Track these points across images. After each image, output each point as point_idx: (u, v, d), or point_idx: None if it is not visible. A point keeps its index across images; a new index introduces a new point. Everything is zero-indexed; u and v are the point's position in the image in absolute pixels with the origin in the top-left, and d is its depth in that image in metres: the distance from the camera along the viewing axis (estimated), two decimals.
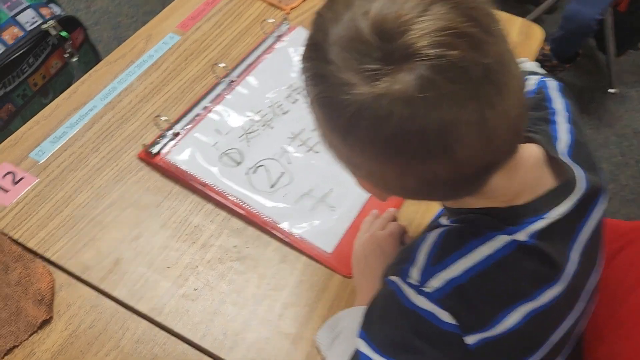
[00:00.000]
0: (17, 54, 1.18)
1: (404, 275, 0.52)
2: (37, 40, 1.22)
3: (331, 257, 0.70)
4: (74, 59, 1.30)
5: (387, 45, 0.41)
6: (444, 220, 0.56)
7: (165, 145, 0.77)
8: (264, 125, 0.81)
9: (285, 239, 0.71)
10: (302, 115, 0.83)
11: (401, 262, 0.54)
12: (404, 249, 0.57)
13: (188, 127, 0.80)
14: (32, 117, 0.81)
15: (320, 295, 0.67)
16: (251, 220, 0.72)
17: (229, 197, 0.73)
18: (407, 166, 0.44)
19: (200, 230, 0.72)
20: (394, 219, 0.73)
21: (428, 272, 0.51)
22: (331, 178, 0.77)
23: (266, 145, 0.79)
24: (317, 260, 0.70)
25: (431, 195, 0.51)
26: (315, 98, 0.46)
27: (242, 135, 0.80)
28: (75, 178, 0.75)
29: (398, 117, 0.41)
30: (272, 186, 0.75)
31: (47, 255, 0.68)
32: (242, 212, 0.73)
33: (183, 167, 0.75)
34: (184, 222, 0.72)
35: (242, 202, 0.73)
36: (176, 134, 0.79)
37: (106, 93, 0.85)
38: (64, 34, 1.25)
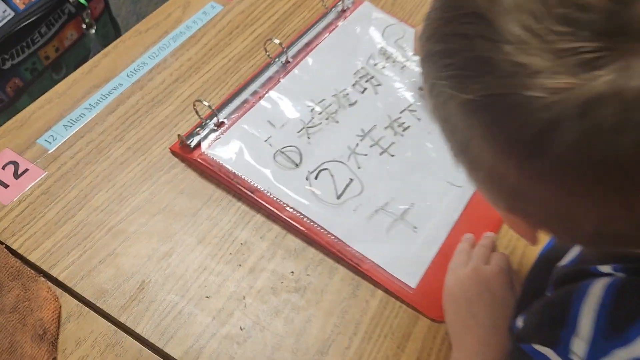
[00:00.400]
0: (28, 21, 1.03)
1: (562, 349, 0.36)
2: (52, 6, 1.06)
3: (415, 293, 0.55)
4: (92, 31, 1.14)
5: (615, 12, 0.26)
6: (604, 268, 0.40)
7: (206, 137, 0.62)
8: (327, 119, 0.66)
9: (356, 265, 0.56)
10: (372, 108, 0.67)
11: (548, 325, 0.39)
12: (546, 303, 0.42)
13: (234, 115, 0.64)
14: (41, 95, 0.66)
15: (402, 344, 0.52)
16: (312, 238, 0.57)
17: (286, 208, 0.58)
18: (622, 201, 0.29)
19: (248, 248, 0.56)
20: (495, 248, 0.58)
21: (600, 348, 0.35)
22: (411, 189, 0.61)
23: (330, 143, 0.64)
24: (397, 297, 0.55)
25: (628, 243, 0.35)
26: (467, 100, 0.30)
27: (302, 129, 0.64)
28: (92, 173, 0.60)
29: (634, 129, 0.26)
30: (339, 196, 0.60)
31: (53, 272, 0.53)
32: (301, 227, 0.57)
33: (228, 166, 0.60)
34: (228, 238, 0.57)
35: (301, 214, 0.58)
36: (220, 124, 0.63)
37: (134, 69, 0.69)
38: (82, 1, 1.10)
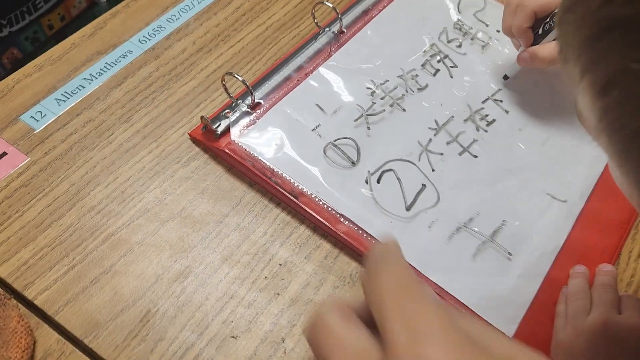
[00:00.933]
0: None
1: None
2: None
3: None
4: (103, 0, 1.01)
5: None
6: None
7: (237, 121, 0.48)
8: (391, 105, 0.51)
9: None
10: (448, 95, 0.53)
11: None
12: None
13: (273, 95, 0.50)
14: None
15: None
16: None
17: (340, 220, 0.44)
18: None
19: (289, 272, 0.42)
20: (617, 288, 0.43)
21: None
22: (502, 202, 0.47)
23: (396, 137, 0.49)
24: None
25: None
26: None
27: (360, 117, 0.50)
28: (88, 162, 0.46)
29: None
30: (409, 207, 0.45)
31: (29, 294, 0.39)
32: (358, 247, 0.43)
33: (264, 160, 0.46)
34: (263, 256, 0.43)
35: (359, 229, 0.44)
36: (255, 105, 0.49)
37: (149, 34, 0.55)
38: None
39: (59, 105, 0.49)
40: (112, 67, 0.52)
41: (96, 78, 0.51)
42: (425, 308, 0.23)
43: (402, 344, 0.22)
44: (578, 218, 0.47)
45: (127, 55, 0.53)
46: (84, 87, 0.51)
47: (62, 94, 0.50)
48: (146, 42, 0.55)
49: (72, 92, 0.50)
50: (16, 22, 0.92)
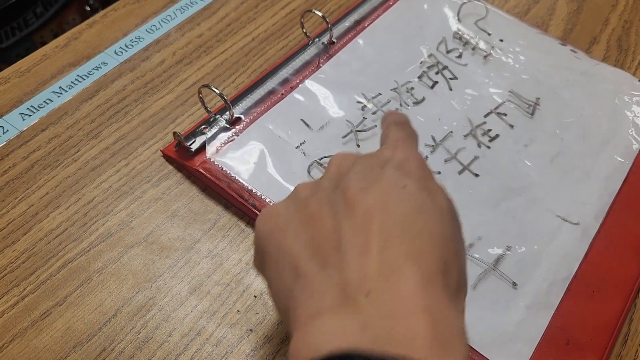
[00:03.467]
0: None
1: None
2: None
3: None
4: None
5: None
6: None
7: (213, 137, 0.44)
8: None
9: None
10: (447, 109, 0.48)
11: None
12: None
13: (255, 110, 0.46)
14: None
15: None
16: None
17: None
18: None
19: (264, 304, 0.38)
20: None
21: None
22: (506, 226, 0.42)
23: None
24: None
25: None
26: None
27: (349, 134, 0.46)
28: (50, 182, 0.42)
29: None
30: None
31: None
32: None
33: (242, 180, 0.42)
34: (236, 287, 0.38)
35: None
36: (234, 121, 0.45)
37: (125, 45, 0.52)
38: None
39: (24, 120, 0.46)
40: (84, 79, 0.49)
41: (66, 91, 0.48)
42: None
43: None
44: (593, 242, 0.42)
45: (101, 67, 0.50)
46: (52, 101, 0.47)
47: (27, 108, 0.46)
48: (122, 53, 0.51)
49: (38, 107, 0.46)
50: (6, 39, 0.90)
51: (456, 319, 0.22)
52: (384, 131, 0.33)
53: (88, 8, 0.96)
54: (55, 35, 0.96)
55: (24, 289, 0.37)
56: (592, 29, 0.59)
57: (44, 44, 0.96)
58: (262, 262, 0.28)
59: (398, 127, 0.32)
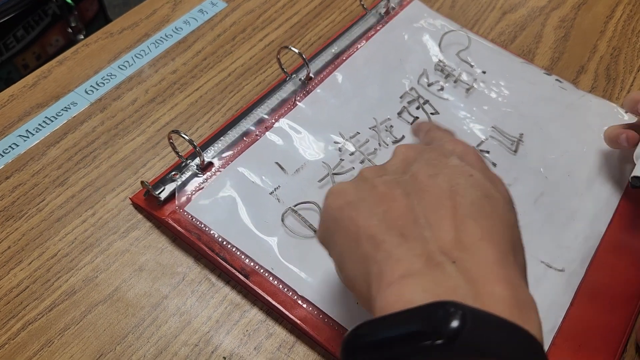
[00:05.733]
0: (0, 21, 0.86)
1: None
2: (31, 6, 0.89)
3: None
4: (81, 37, 0.97)
5: None
6: None
7: (184, 185, 0.42)
8: (362, 162, 0.45)
9: None
10: None
11: None
12: None
13: (227, 154, 0.45)
14: None
15: None
16: (336, 355, 0.36)
17: (298, 303, 0.38)
18: None
19: None
20: None
21: None
22: None
23: None
24: None
25: None
26: None
27: (325, 177, 0.44)
28: (12, 235, 0.41)
29: None
30: None
31: None
32: (318, 336, 0.37)
33: (214, 230, 0.40)
34: (204, 347, 0.37)
35: (320, 313, 0.37)
36: (206, 166, 0.44)
37: (97, 83, 0.50)
38: (68, 0, 0.92)
39: None
40: (52, 121, 0.47)
41: (33, 135, 0.46)
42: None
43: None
44: (578, 290, 0.41)
45: (70, 108, 0.48)
46: (18, 146, 0.45)
47: None
48: (93, 92, 0.50)
49: (3, 152, 0.45)
50: None
51: (528, 292, 0.24)
52: (427, 134, 0.37)
53: (70, 30, 0.95)
54: (38, 58, 0.95)
55: None
56: (580, 57, 0.57)
57: (26, 67, 0.95)
58: (330, 234, 0.30)
59: (441, 130, 0.36)
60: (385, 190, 0.28)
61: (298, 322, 0.37)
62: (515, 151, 0.48)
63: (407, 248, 0.25)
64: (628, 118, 0.50)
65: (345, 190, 0.30)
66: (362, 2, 0.57)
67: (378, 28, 0.55)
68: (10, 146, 0.45)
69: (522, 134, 0.49)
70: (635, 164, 0.43)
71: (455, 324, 0.21)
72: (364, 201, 0.28)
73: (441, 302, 0.22)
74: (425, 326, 0.21)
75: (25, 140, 0.46)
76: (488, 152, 0.47)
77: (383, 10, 0.57)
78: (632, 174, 0.42)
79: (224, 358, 0.36)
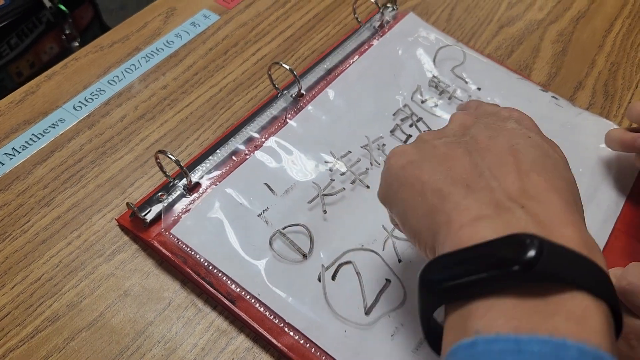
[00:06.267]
0: None
1: None
2: (25, 14, 0.88)
3: None
4: (75, 44, 0.96)
5: None
6: None
7: (171, 206, 0.42)
8: (353, 182, 0.45)
9: None
10: None
11: None
12: None
13: (215, 174, 0.44)
14: None
15: None
16: None
17: (285, 330, 0.37)
18: None
19: None
20: None
21: None
22: None
23: (357, 221, 0.42)
24: None
25: None
26: None
27: (315, 198, 0.43)
28: None
29: None
30: (369, 311, 0.38)
31: None
32: None
33: (200, 254, 0.39)
34: None
35: (307, 342, 0.37)
36: (193, 187, 0.43)
37: (85, 99, 0.50)
38: (63, 7, 0.92)
39: None
40: (39, 139, 0.46)
41: (19, 152, 0.45)
42: None
43: None
44: None
45: (57, 125, 0.47)
46: (3, 164, 0.45)
47: None
48: (81, 108, 0.49)
49: None
50: None
51: (593, 238, 0.25)
52: (477, 110, 0.37)
53: (65, 37, 0.94)
54: (32, 66, 0.94)
55: None
56: (577, 73, 0.56)
57: (20, 74, 0.94)
58: (393, 192, 0.31)
59: (490, 104, 0.37)
60: (447, 150, 0.30)
61: (285, 350, 0.36)
62: None
63: (475, 198, 0.26)
64: None
65: (406, 150, 0.32)
66: (356, 16, 0.56)
67: (372, 42, 0.54)
68: None
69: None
70: None
71: (532, 253, 0.22)
72: (427, 160, 0.30)
73: (517, 234, 0.23)
74: (502, 254, 0.23)
75: (11, 159, 0.45)
76: None
77: (377, 24, 0.56)
78: None
79: None
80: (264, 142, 0.46)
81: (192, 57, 0.54)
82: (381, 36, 0.55)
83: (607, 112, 0.53)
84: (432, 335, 0.27)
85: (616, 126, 0.51)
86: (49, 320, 0.37)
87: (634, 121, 0.46)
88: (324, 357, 0.36)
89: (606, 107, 0.53)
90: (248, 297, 0.38)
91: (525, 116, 0.33)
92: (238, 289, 0.38)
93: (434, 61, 0.53)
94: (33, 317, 0.37)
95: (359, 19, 0.56)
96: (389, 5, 0.58)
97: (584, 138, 0.49)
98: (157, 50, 0.54)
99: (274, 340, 0.36)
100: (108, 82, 0.51)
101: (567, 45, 0.59)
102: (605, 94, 0.55)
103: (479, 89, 0.52)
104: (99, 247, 0.41)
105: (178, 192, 0.42)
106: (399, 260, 0.41)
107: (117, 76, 0.51)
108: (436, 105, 0.50)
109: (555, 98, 0.52)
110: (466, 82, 0.52)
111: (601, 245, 0.43)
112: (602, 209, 0.45)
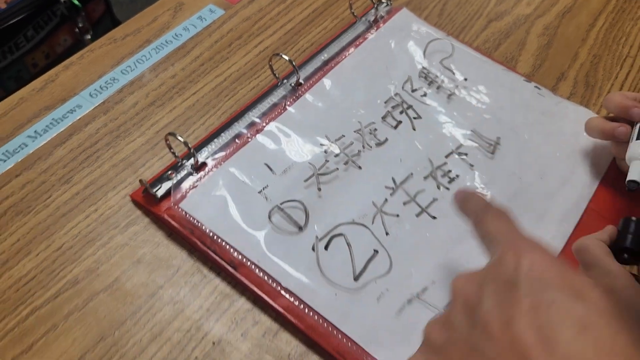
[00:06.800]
0: (10, 22, 0.89)
1: None
2: (40, 7, 0.93)
3: None
4: (88, 36, 1.00)
5: None
6: None
7: (180, 183, 0.46)
8: (346, 163, 0.49)
9: None
10: (409, 149, 0.50)
11: None
12: None
13: (220, 155, 0.48)
14: None
15: None
16: (316, 340, 0.40)
17: (282, 293, 0.41)
18: None
19: (222, 351, 0.39)
20: None
21: None
22: (460, 268, 0.44)
23: (349, 198, 0.46)
24: None
25: None
26: None
27: (311, 177, 0.47)
28: (22, 229, 0.44)
29: None
30: (357, 277, 0.42)
31: None
32: (300, 324, 0.40)
33: (206, 226, 0.43)
34: (196, 333, 0.40)
35: (302, 303, 0.41)
36: (200, 166, 0.47)
37: (100, 86, 0.54)
38: (76, 2, 0.96)
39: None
40: (59, 123, 0.51)
41: (40, 135, 0.50)
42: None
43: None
44: None
45: (75, 111, 0.52)
46: (26, 146, 0.49)
47: (3, 154, 0.48)
48: (97, 95, 0.53)
49: (13, 151, 0.48)
50: None
51: None
52: (480, 227, 0.32)
53: (78, 30, 0.98)
54: (47, 57, 0.99)
55: None
56: (560, 64, 0.60)
57: (35, 65, 0.99)
58: None
59: (491, 216, 0.31)
60: None
61: (281, 310, 0.40)
62: (493, 153, 0.51)
63: None
64: None
65: None
66: (352, 11, 0.60)
67: (367, 36, 0.58)
68: (20, 146, 0.49)
69: (500, 138, 0.51)
70: (628, 167, 0.45)
71: None
72: None
73: None
74: None
75: (33, 141, 0.49)
76: (466, 154, 0.50)
77: (372, 19, 0.60)
78: (628, 178, 0.44)
79: (214, 343, 0.40)
80: (264, 126, 0.50)
81: (198, 48, 0.58)
82: (376, 30, 0.59)
83: (587, 101, 0.57)
84: None
85: (595, 114, 0.54)
86: (70, 284, 0.41)
87: (611, 111, 0.49)
88: (316, 317, 0.40)
89: (586, 97, 0.57)
90: (249, 263, 0.42)
91: (539, 256, 0.26)
92: (240, 257, 0.42)
93: (424, 53, 0.57)
94: (56, 280, 0.42)
95: (355, 14, 0.60)
96: (383, 0, 0.62)
97: (563, 125, 0.53)
98: (166, 43, 0.58)
99: (271, 302, 0.40)
100: (121, 71, 0.55)
101: (553, 38, 0.62)
102: (586, 84, 0.58)
103: (465, 79, 0.55)
104: (114, 220, 0.45)
105: (186, 171, 0.46)
106: (387, 233, 0.45)
107: (129, 66, 0.56)
108: (425, 95, 0.54)
109: (538, 88, 0.56)
110: (453, 73, 0.56)
111: (574, 222, 0.47)
112: (576, 190, 0.49)
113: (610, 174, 0.51)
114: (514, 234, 0.29)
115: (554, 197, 0.48)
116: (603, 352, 0.21)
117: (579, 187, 0.49)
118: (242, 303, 0.41)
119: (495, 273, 0.26)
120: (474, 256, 0.44)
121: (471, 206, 0.34)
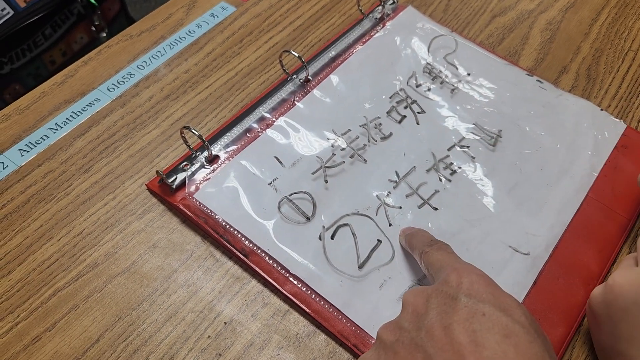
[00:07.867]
0: (29, 21, 0.92)
1: None
2: (58, 6, 0.95)
3: None
4: (103, 34, 1.03)
5: None
6: None
7: (194, 174, 0.48)
8: (352, 157, 0.51)
9: None
10: (412, 143, 0.52)
11: None
12: None
13: (232, 148, 0.50)
14: None
15: None
16: (323, 323, 0.42)
17: (289, 279, 0.43)
18: None
19: (233, 331, 0.42)
20: None
21: None
22: (460, 256, 0.46)
23: (354, 190, 0.48)
24: None
25: None
26: None
27: (318, 170, 0.49)
28: (44, 215, 0.47)
29: None
30: (362, 265, 0.44)
31: None
32: (306, 307, 0.42)
33: (218, 215, 0.46)
34: (208, 314, 0.42)
35: (308, 289, 0.43)
36: (213, 158, 0.49)
37: (118, 81, 0.56)
38: (92, 0, 0.99)
39: (22, 155, 0.50)
40: (78, 116, 0.53)
41: (61, 127, 0.52)
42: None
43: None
44: (542, 271, 0.45)
45: (94, 104, 0.54)
46: (48, 137, 0.51)
47: (26, 144, 0.51)
48: (114, 89, 0.55)
49: (36, 142, 0.51)
50: (17, 59, 0.95)
51: None
52: (427, 258, 0.39)
53: (94, 28, 1.01)
54: (64, 54, 1.02)
55: (18, 316, 0.41)
56: (562, 58, 0.61)
57: (53, 62, 1.02)
58: None
59: (436, 248, 0.39)
60: (406, 356, 0.30)
61: (290, 296, 0.42)
62: (494, 146, 0.52)
63: None
64: (605, 116, 0.55)
65: (368, 359, 0.33)
66: (360, 8, 0.61)
67: (373, 33, 0.60)
68: (41, 137, 0.51)
69: (501, 131, 0.53)
70: None
71: None
72: None
73: None
74: None
75: (54, 133, 0.52)
76: (468, 147, 0.52)
77: (378, 16, 0.61)
78: None
79: (225, 323, 0.42)
80: (274, 121, 0.52)
81: (211, 44, 0.60)
82: (382, 27, 0.60)
83: (588, 94, 0.58)
84: None
85: (596, 106, 0.56)
86: (89, 267, 0.44)
87: None
88: (322, 302, 0.42)
89: (587, 89, 0.58)
90: (259, 251, 0.44)
91: (476, 278, 0.32)
92: (250, 245, 0.44)
93: (428, 49, 0.59)
94: (76, 264, 0.44)
95: (362, 11, 0.61)
96: None
97: (564, 117, 0.54)
98: (180, 39, 0.60)
99: (280, 288, 0.43)
100: (137, 66, 0.57)
101: (555, 33, 0.64)
102: (588, 77, 0.60)
103: (468, 74, 0.57)
104: (131, 207, 0.47)
105: (199, 163, 0.48)
106: (389, 224, 0.47)
107: (145, 62, 0.58)
108: (429, 90, 0.56)
109: (540, 81, 0.57)
110: (457, 68, 0.58)
111: (573, 211, 0.49)
112: (576, 180, 0.51)
113: (610, 163, 0.52)
114: (456, 261, 0.36)
115: (553, 187, 0.50)
116: (521, 354, 0.28)
117: (578, 177, 0.51)
118: (253, 286, 0.44)
119: (441, 289, 0.32)
120: (473, 245, 0.47)
121: (417, 241, 0.42)
